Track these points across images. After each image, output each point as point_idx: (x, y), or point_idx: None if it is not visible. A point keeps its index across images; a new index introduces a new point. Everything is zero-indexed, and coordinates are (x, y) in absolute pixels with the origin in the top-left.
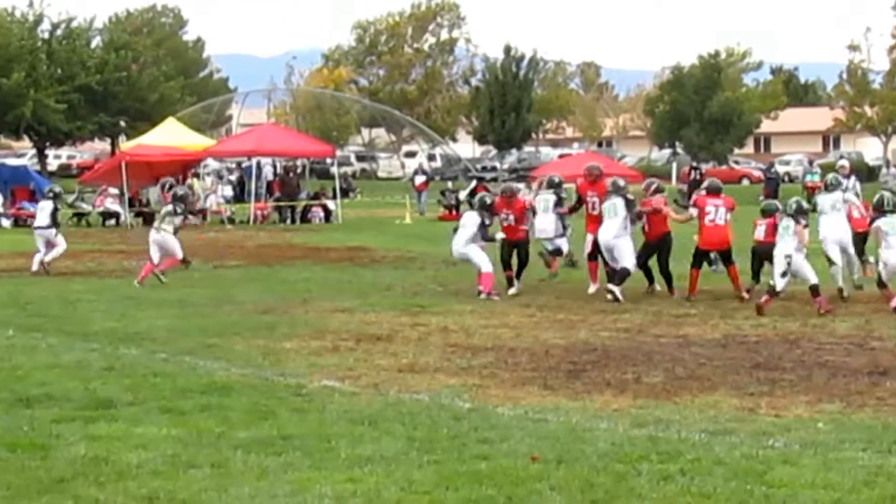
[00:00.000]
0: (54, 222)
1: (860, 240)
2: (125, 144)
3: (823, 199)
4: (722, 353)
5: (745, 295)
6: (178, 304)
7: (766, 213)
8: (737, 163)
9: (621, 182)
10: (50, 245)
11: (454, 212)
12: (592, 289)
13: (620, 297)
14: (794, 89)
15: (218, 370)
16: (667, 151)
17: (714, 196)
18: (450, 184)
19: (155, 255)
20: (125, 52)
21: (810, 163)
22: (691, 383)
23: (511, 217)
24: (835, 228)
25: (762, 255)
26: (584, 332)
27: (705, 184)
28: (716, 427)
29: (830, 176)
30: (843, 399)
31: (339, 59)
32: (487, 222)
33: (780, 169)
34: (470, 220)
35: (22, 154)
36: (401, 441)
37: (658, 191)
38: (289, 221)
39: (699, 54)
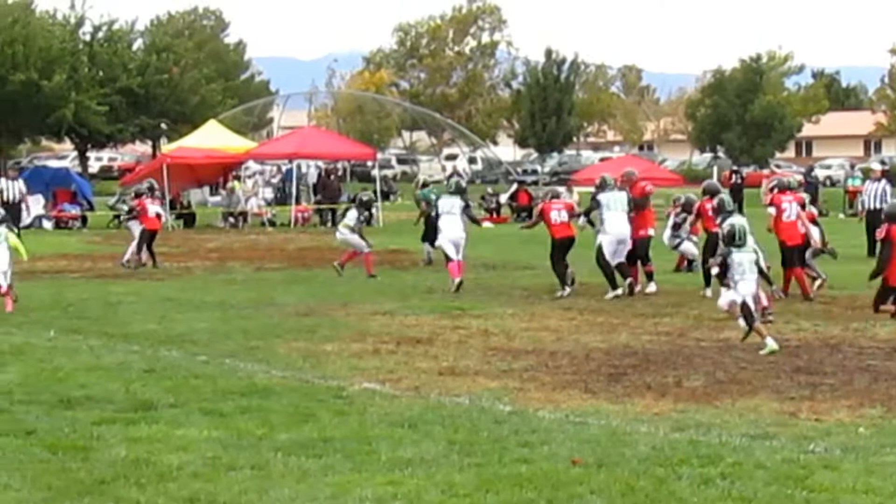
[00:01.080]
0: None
1: None
2: (166, 147)
3: None
4: (763, 358)
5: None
6: (218, 307)
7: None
8: (778, 167)
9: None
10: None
11: (495, 215)
12: (651, 287)
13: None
14: (835, 93)
15: (259, 372)
16: (708, 155)
17: (785, 192)
18: (489, 188)
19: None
20: (167, 54)
21: (852, 167)
22: (732, 387)
23: (563, 214)
24: None
25: None
26: (624, 336)
27: (772, 182)
28: (756, 431)
29: None
30: (885, 403)
31: (381, 62)
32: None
33: (822, 173)
34: (454, 206)
35: (63, 156)
36: (441, 444)
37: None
38: (329, 224)
39: (741, 58)
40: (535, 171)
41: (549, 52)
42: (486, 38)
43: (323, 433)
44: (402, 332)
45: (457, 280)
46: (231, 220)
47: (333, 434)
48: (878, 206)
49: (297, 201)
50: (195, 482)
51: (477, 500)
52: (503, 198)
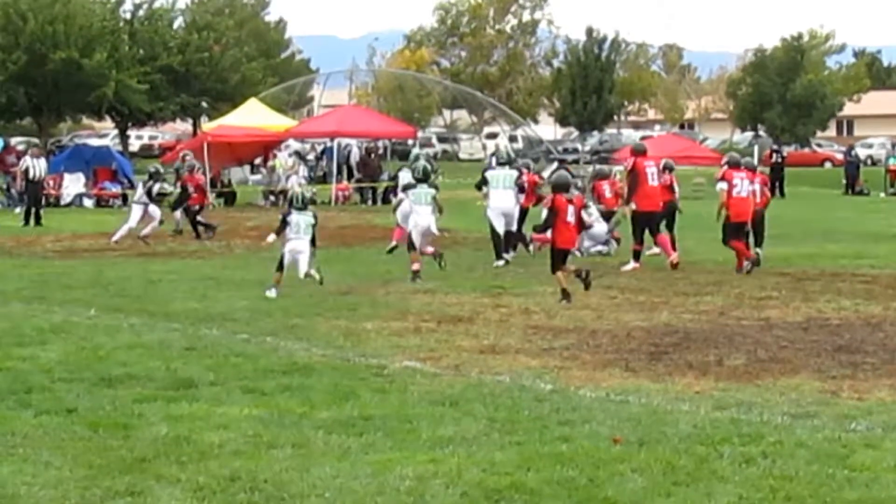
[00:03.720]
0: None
1: None
2: (207, 125)
3: None
4: (804, 336)
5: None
6: (258, 285)
7: None
8: (819, 146)
9: None
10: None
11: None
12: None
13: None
14: (876, 72)
15: (299, 351)
16: (749, 134)
17: (738, 169)
18: (531, 164)
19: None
20: (207, 32)
21: (893, 146)
22: (773, 366)
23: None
24: None
25: None
26: (665, 315)
27: (725, 158)
28: (798, 410)
29: None
30: None
31: (421, 41)
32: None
33: (863, 152)
34: (426, 196)
35: (104, 135)
36: (482, 422)
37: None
38: (370, 202)
39: (782, 37)
40: (575, 150)
41: (589, 31)
42: (526, 17)
43: (364, 411)
44: (443, 311)
45: (414, 267)
46: (272, 198)
47: (374, 412)
48: None
49: (338, 180)
50: (236, 460)
51: (518, 479)
52: (544, 175)
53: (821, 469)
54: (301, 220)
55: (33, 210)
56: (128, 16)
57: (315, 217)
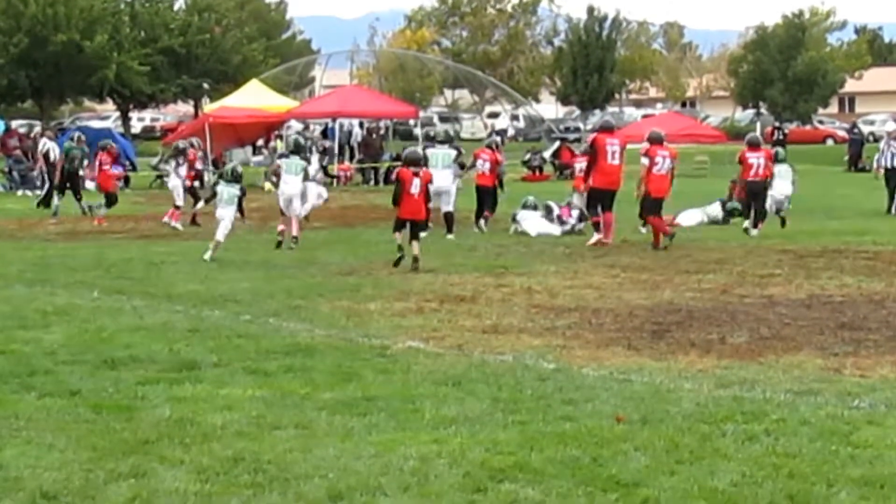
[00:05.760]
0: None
1: None
2: (208, 106)
3: None
4: (806, 314)
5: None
6: (261, 266)
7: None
8: (821, 122)
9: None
10: None
11: (538, 173)
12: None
13: None
14: (878, 49)
15: (302, 332)
16: (750, 111)
17: (661, 146)
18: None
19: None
20: (208, 14)
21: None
22: (776, 343)
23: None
24: None
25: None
26: (668, 293)
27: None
28: (801, 387)
29: None
30: None
31: (422, 21)
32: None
33: (865, 129)
34: (296, 167)
35: (106, 117)
36: (485, 402)
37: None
38: (372, 183)
39: (783, 14)
40: (577, 129)
41: (590, 9)
42: None
43: (367, 392)
44: (446, 291)
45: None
46: (274, 178)
47: (377, 393)
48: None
49: (340, 160)
50: (239, 441)
51: (521, 458)
52: (546, 155)
53: (824, 446)
54: (225, 192)
55: (54, 193)
56: None
57: (242, 190)
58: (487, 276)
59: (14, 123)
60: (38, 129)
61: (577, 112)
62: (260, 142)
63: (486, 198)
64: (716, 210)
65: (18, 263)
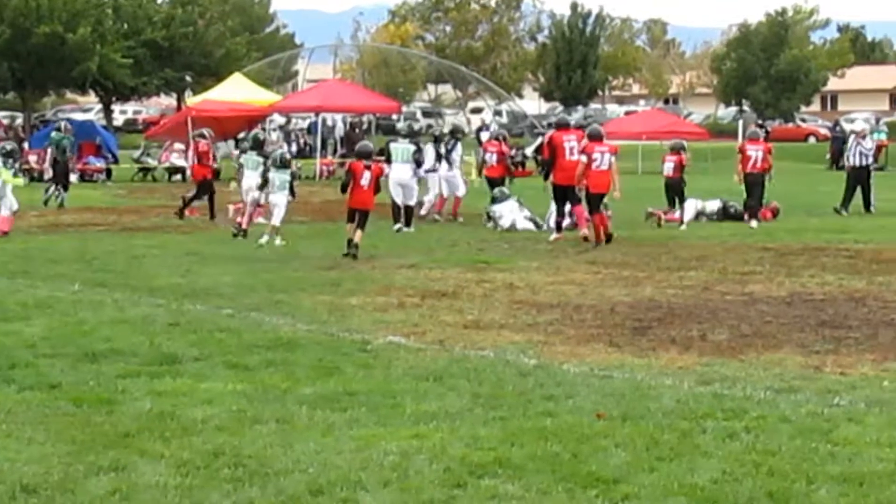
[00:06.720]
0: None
1: None
2: (191, 100)
3: None
4: (787, 311)
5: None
6: (243, 261)
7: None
8: (803, 120)
9: None
10: None
11: (521, 168)
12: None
13: None
14: (861, 47)
15: (283, 326)
16: (733, 109)
17: (600, 143)
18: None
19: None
20: (191, 7)
21: (877, 121)
22: (757, 341)
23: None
24: None
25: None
26: (649, 289)
27: (588, 130)
28: (781, 385)
29: None
30: None
31: (406, 15)
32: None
33: (847, 127)
34: (257, 163)
35: (88, 109)
36: (466, 397)
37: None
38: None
39: (766, 12)
40: None
41: (574, 5)
42: None
43: (348, 386)
44: (427, 286)
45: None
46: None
47: (358, 387)
48: (862, 163)
49: (322, 155)
50: (220, 435)
51: (502, 454)
52: (528, 151)
53: (804, 444)
54: (277, 178)
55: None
56: None
57: (293, 174)
58: (469, 271)
59: None
60: (19, 121)
61: (560, 108)
62: (242, 135)
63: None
64: (714, 206)
65: (0, 255)
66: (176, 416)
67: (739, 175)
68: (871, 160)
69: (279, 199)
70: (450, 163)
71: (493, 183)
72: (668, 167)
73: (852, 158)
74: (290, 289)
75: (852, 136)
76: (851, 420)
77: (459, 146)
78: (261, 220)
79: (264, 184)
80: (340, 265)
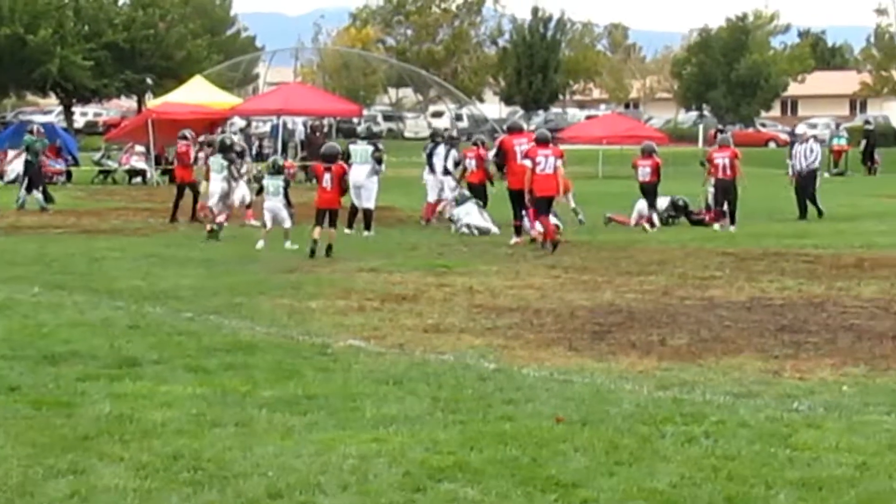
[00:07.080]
0: None
1: None
2: (152, 102)
3: None
4: (747, 316)
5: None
6: (203, 263)
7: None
8: (763, 126)
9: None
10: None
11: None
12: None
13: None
14: (821, 52)
15: (243, 329)
16: (693, 114)
17: (544, 146)
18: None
19: None
20: (152, 9)
21: (837, 126)
22: (716, 346)
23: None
24: None
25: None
26: (609, 294)
27: (535, 134)
28: (740, 390)
29: None
30: (868, 362)
31: (367, 19)
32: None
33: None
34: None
35: (48, 111)
36: (426, 401)
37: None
38: (315, 181)
39: (727, 17)
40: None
41: (535, 10)
42: None
43: (307, 390)
44: (387, 290)
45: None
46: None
47: (318, 391)
48: (806, 167)
49: (284, 158)
50: (179, 439)
51: (461, 458)
52: (489, 155)
53: (763, 449)
54: (270, 184)
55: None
56: None
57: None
58: (429, 275)
59: None
60: None
61: (521, 112)
62: (202, 138)
63: (478, 196)
64: (663, 203)
65: None
66: (135, 419)
67: (707, 182)
68: (816, 164)
69: (275, 205)
70: (430, 167)
71: (473, 189)
72: (645, 172)
73: (800, 163)
74: (250, 292)
75: (795, 143)
76: (810, 425)
77: (441, 149)
78: (254, 222)
79: (260, 190)
80: (300, 268)
